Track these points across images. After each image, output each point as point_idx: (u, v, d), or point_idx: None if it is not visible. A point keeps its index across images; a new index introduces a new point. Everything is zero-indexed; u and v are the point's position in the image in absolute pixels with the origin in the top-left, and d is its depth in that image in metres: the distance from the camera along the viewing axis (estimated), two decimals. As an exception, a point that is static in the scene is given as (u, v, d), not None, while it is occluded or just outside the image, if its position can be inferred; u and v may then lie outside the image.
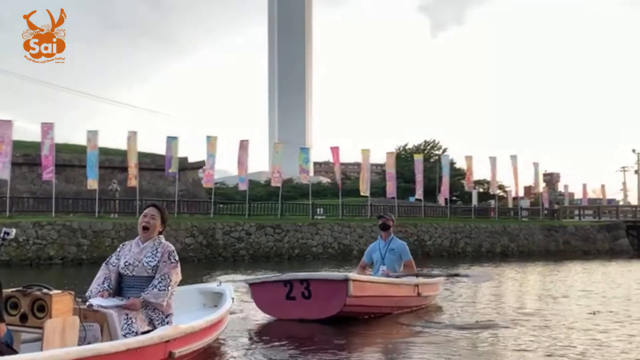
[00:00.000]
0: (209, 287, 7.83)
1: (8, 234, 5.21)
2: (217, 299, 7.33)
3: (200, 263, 24.33)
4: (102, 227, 24.39)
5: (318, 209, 34.50)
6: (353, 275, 8.39)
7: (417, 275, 9.67)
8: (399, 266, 9.73)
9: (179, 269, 5.81)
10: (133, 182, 27.33)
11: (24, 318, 4.76)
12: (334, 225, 30.08)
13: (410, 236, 31.17)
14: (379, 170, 61.48)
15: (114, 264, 5.85)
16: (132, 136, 27.32)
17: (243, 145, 29.34)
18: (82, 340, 4.94)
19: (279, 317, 8.46)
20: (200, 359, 6.05)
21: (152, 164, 36.25)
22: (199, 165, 34.83)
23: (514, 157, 36.47)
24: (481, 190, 52.68)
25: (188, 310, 6.80)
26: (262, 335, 7.65)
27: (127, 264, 5.76)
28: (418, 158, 35.83)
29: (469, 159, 36.25)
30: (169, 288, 5.63)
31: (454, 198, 52.06)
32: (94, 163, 25.85)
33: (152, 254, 5.75)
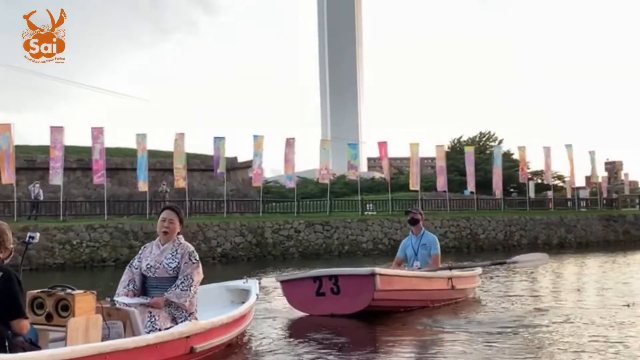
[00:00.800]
0: (236, 284, 8.07)
1: (33, 238, 5.55)
2: (244, 295, 7.56)
3: (250, 262, 24.73)
4: (152, 229, 25.01)
5: (368, 205, 34.57)
6: (380, 269, 8.50)
7: (450, 268, 9.71)
8: (438, 261, 9.81)
9: (200, 269, 6.06)
10: (181, 183, 27.98)
11: (49, 317, 5.05)
12: (383, 220, 30.09)
13: (462, 230, 30.97)
14: (433, 164, 61.06)
15: (136, 267, 6.16)
16: (179, 138, 27.97)
17: (289, 143, 29.66)
18: (106, 337, 5.21)
19: (310, 313, 8.64)
20: (224, 354, 6.27)
21: (202, 165, 37.06)
22: (249, 164, 35.39)
23: (569, 147, 35.70)
24: (539, 181, 51.68)
25: (215, 307, 7.04)
26: (290, 330, 7.86)
27: (148, 266, 6.05)
28: (469, 150, 35.47)
29: (521, 149, 35.71)
30: (191, 288, 5.90)
31: (511, 190, 51.23)
32: (144, 165, 26.63)
33: (172, 255, 6.01)
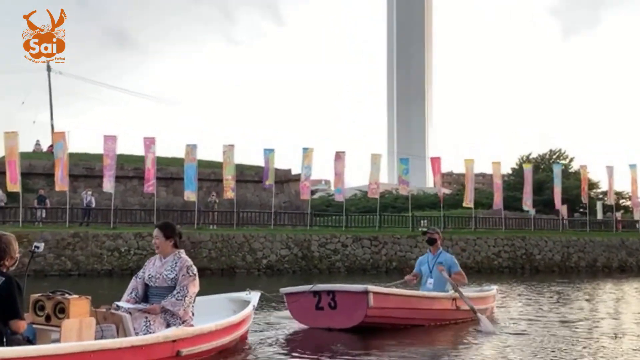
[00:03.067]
0: (239, 295, 8.75)
1: (38, 247, 6.36)
2: (245, 306, 8.22)
3: (295, 275, 25.37)
4: (200, 238, 26.13)
5: (422, 221, 34.79)
6: (373, 287, 9.00)
7: (455, 289, 10.07)
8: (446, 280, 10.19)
9: (197, 281, 6.85)
10: (229, 194, 28.97)
11: (48, 318, 5.84)
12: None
13: (517, 250, 30.85)
14: (507, 181, 60.18)
15: (140, 277, 7.02)
16: (228, 150, 28.99)
17: (339, 157, 30.27)
18: (100, 339, 5.97)
19: (309, 326, 9.25)
20: (216, 359, 6.94)
21: (255, 176, 38.10)
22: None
23: (633, 167, 35.01)
24: (606, 201, 50.48)
25: (216, 316, 7.69)
26: (288, 341, 8.47)
27: (150, 276, 6.90)
28: (527, 168, 35.32)
29: (583, 168, 35.28)
30: (186, 298, 6.68)
31: (580, 210, 50.29)
32: (193, 176, 27.77)
33: (172, 268, 6.82)
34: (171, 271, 6.78)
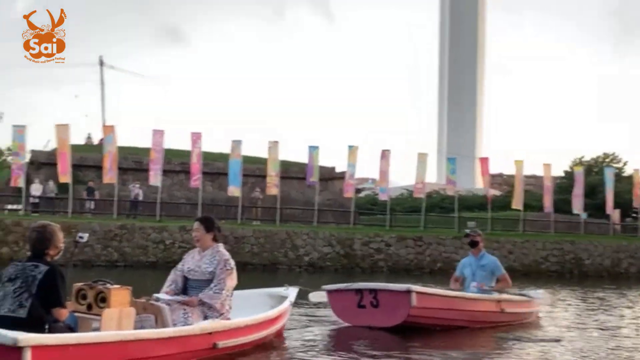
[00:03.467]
0: (277, 291, 8.87)
1: (82, 237, 6.57)
2: (283, 301, 8.34)
3: (337, 273, 25.41)
4: (242, 234, 26.43)
5: (468, 223, 34.54)
6: (416, 287, 9.02)
7: (499, 291, 10.01)
8: (490, 282, 10.12)
9: (234, 275, 6.97)
10: (273, 190, 29.21)
11: (90, 307, 6.04)
12: (480, 239, 29.99)
13: (566, 254, 30.33)
14: (563, 184, 59.07)
15: (179, 270, 7.19)
16: (272, 146, 29.24)
17: (384, 155, 30.23)
18: (139, 329, 6.15)
19: (351, 324, 9.31)
20: (252, 353, 7.06)
21: (300, 173, 38.30)
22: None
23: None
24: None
25: (254, 311, 7.84)
26: (327, 337, 8.57)
27: (189, 269, 7.07)
28: (578, 170, 34.74)
29: (636, 172, 34.44)
30: (223, 291, 6.81)
31: (634, 214, 49.10)
32: (237, 171, 28.12)
33: (210, 261, 6.96)
34: (210, 264, 6.92)
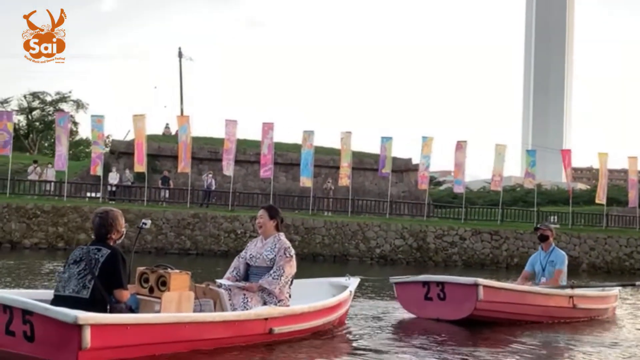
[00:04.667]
0: (339, 280, 9.01)
1: (145, 224, 6.88)
2: (344, 291, 8.48)
3: (409, 266, 25.40)
4: (314, 225, 26.72)
5: (552, 217, 33.77)
6: (483, 280, 8.95)
7: (572, 287, 9.85)
8: (560, 278, 10.00)
9: (293, 262, 7.19)
10: (345, 181, 29.38)
11: (151, 290, 6.32)
12: (561, 234, 29.26)
13: (648, 252, 29.37)
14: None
15: (242, 257, 7.49)
16: (345, 137, 29.38)
17: (460, 147, 29.88)
18: (198, 312, 6.42)
19: (417, 316, 9.36)
20: (311, 339, 7.21)
21: (374, 165, 38.31)
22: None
23: None
24: None
25: (314, 299, 8.00)
26: (390, 328, 8.60)
27: (251, 256, 7.35)
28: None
29: None
30: (282, 278, 7.03)
31: None
32: (309, 162, 28.41)
33: (271, 249, 7.22)
34: (271, 252, 7.17)
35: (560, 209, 39.92)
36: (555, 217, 34.24)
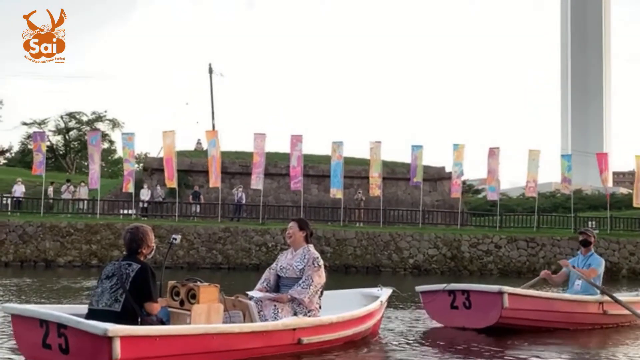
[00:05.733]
0: (370, 291, 9.16)
1: (175, 239, 7.15)
2: (374, 301, 8.63)
3: (443, 276, 25.33)
4: (345, 236, 26.87)
5: (589, 222, 33.43)
6: (508, 288, 9.02)
7: (603, 292, 9.85)
8: (596, 281, 10.01)
9: (321, 272, 7.40)
10: (376, 191, 29.46)
11: (182, 303, 6.58)
12: (599, 240, 28.98)
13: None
14: None
15: (273, 268, 7.74)
16: (374, 147, 29.51)
17: (493, 154, 29.80)
18: (228, 323, 6.65)
19: (444, 325, 9.47)
20: (342, 350, 7.36)
21: (407, 174, 38.32)
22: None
23: None
24: None
25: (345, 309, 8.15)
26: (419, 337, 8.69)
27: (282, 267, 7.60)
28: None
29: None
30: (311, 287, 7.24)
31: None
32: (339, 173, 28.59)
33: (301, 260, 7.46)
34: (300, 262, 7.40)
35: (600, 214, 39.47)
36: (594, 223, 33.88)
